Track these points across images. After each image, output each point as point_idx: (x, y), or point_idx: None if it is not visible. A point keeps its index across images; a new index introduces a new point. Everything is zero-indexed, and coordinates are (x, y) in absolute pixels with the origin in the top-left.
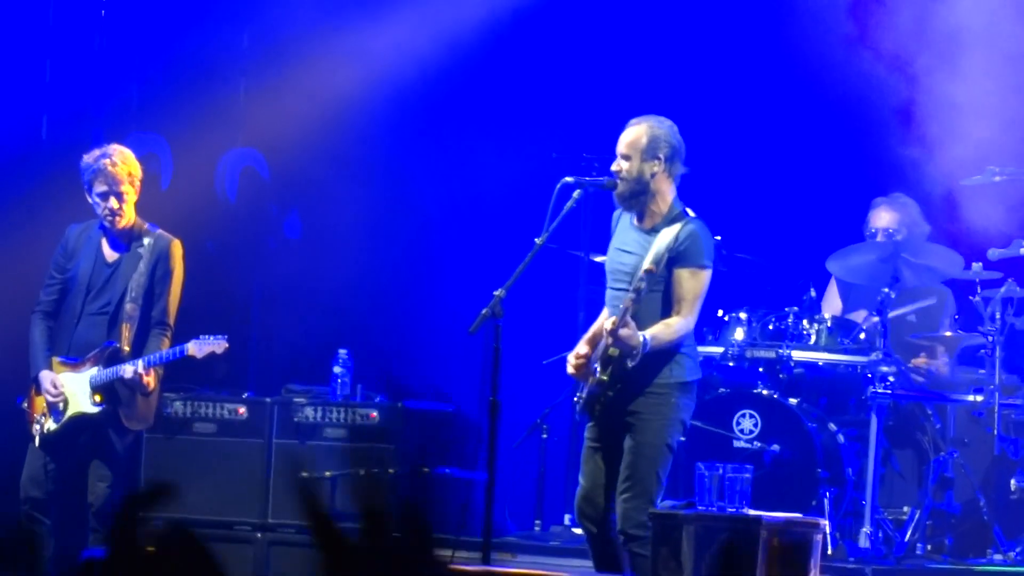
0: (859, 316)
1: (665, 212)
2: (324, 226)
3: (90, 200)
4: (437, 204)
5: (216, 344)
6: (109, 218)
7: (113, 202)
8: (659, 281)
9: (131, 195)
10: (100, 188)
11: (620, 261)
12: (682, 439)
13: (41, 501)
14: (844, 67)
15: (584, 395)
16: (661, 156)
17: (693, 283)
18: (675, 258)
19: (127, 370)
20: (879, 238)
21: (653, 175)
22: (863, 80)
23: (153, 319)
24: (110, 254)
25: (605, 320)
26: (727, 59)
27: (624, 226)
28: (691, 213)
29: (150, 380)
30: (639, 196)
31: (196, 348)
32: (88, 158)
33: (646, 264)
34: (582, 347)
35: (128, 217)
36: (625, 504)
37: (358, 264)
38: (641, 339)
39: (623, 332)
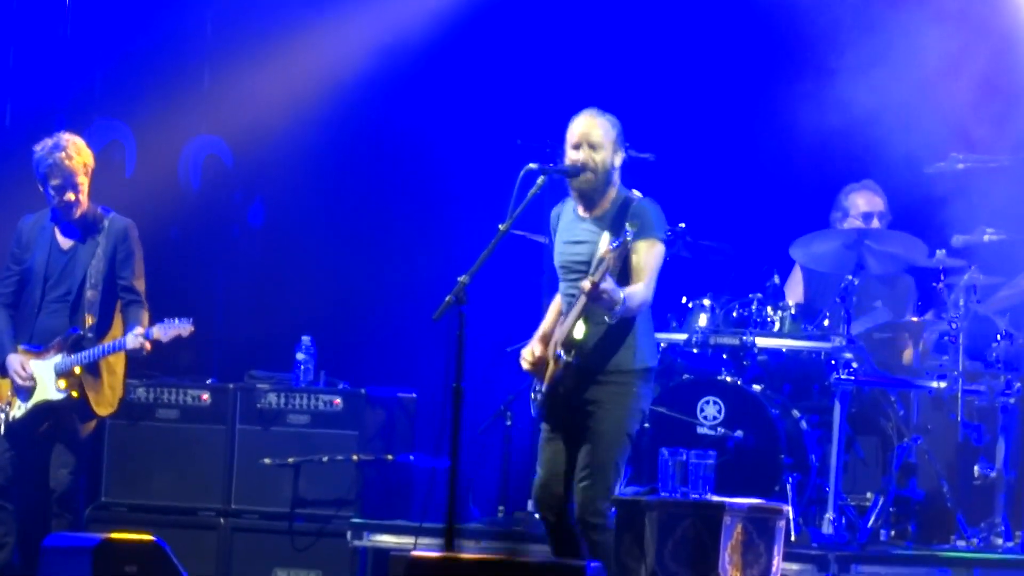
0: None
1: (613, 197)
2: (287, 214)
3: (42, 189)
4: (401, 191)
5: (181, 327)
6: (66, 210)
7: (70, 195)
8: (616, 259)
9: (85, 184)
10: (55, 182)
11: (574, 252)
12: (647, 426)
13: (2, 487)
14: (809, 55)
15: (544, 389)
16: (623, 147)
17: (650, 255)
18: (635, 235)
19: (129, 340)
20: (873, 221)
21: (615, 167)
22: (828, 67)
23: (126, 299)
24: (64, 242)
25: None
26: (690, 45)
27: (569, 219)
28: (637, 193)
29: (147, 345)
30: (605, 187)
31: (161, 332)
32: (40, 150)
33: (601, 249)
34: (537, 347)
35: (83, 205)
36: (584, 492)
37: (321, 251)
38: (621, 294)
39: (606, 285)
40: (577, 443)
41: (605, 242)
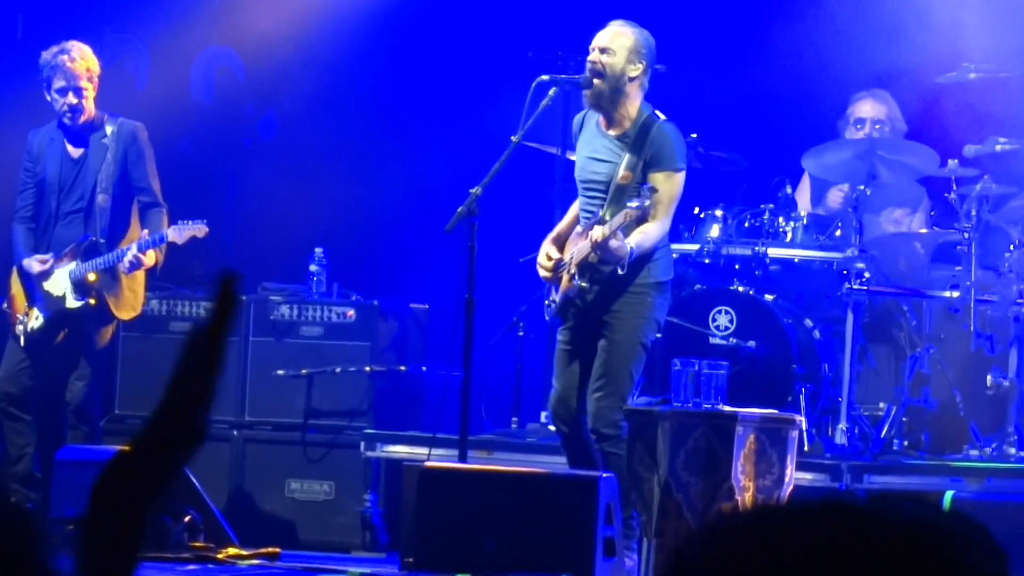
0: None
1: (634, 117)
2: (299, 126)
3: (49, 97)
4: (413, 102)
5: (196, 228)
6: (68, 114)
7: (71, 98)
8: (635, 187)
9: (90, 90)
10: (59, 84)
11: (593, 171)
12: (658, 336)
13: (17, 397)
14: None
15: (558, 299)
16: (644, 62)
17: (668, 186)
18: (649, 162)
19: (126, 257)
20: (866, 128)
21: (631, 79)
22: None
23: (143, 201)
24: (73, 151)
25: (591, 230)
26: None
27: (591, 132)
28: (661, 116)
29: (147, 259)
30: (614, 96)
31: (176, 233)
32: (46, 55)
33: (620, 174)
34: (552, 251)
35: (88, 112)
36: (598, 403)
37: (333, 163)
38: (628, 249)
39: (613, 244)
40: (592, 354)
41: (623, 170)
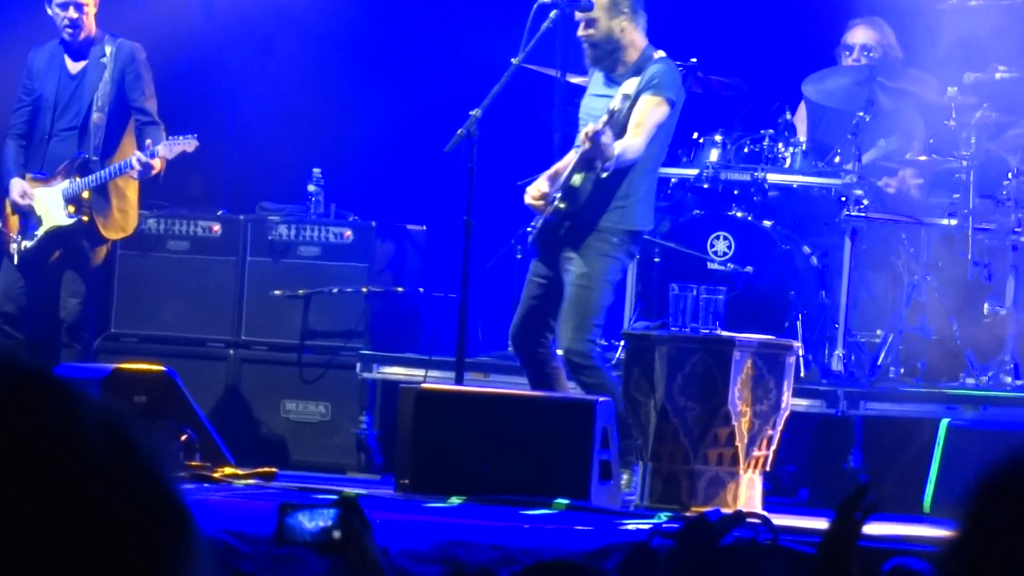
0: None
1: (636, 59)
2: (299, 46)
3: (50, 12)
4: (413, 23)
5: (186, 142)
6: (69, 30)
7: (72, 12)
8: (627, 115)
9: (91, 6)
10: None
11: (593, 105)
12: (656, 260)
13: (13, 316)
14: None
15: (539, 224)
16: (626, 10)
17: (653, 110)
18: (643, 88)
19: (132, 162)
20: (855, 54)
21: (623, 30)
22: None
23: (141, 120)
24: (73, 67)
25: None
26: None
27: (597, 79)
28: (660, 53)
29: (156, 163)
30: (614, 54)
31: (166, 149)
32: None
33: (616, 99)
34: (543, 183)
35: (88, 29)
36: (567, 334)
37: (334, 82)
38: (615, 151)
39: (605, 139)
40: (555, 287)
41: (618, 97)
